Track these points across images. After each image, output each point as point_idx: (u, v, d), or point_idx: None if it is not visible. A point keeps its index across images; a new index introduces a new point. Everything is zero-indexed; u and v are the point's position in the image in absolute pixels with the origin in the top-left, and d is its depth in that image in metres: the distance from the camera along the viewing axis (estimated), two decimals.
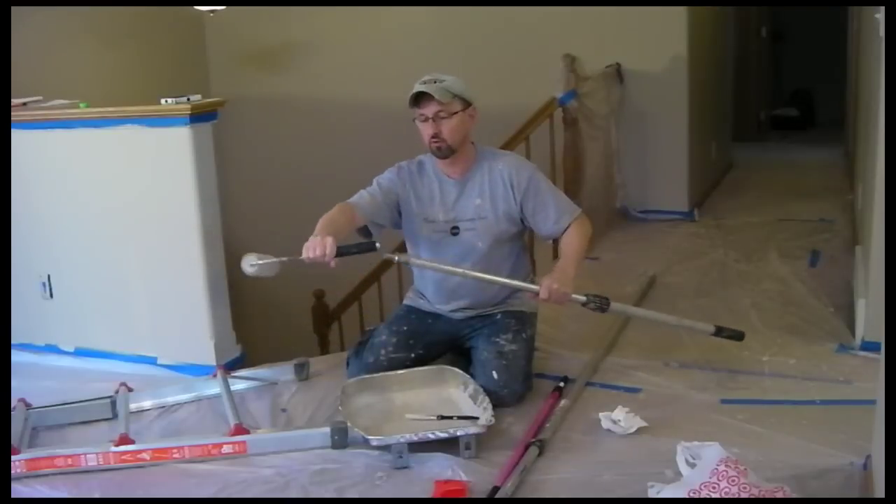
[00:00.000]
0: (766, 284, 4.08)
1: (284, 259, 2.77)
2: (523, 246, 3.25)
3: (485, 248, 3.04)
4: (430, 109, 2.92)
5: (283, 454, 2.62)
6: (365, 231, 3.02)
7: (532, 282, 3.24)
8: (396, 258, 3.04)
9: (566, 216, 3.04)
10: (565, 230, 3.04)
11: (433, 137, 2.95)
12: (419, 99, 2.93)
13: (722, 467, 2.13)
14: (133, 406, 3.02)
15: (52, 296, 3.69)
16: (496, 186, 3.02)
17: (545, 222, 3.04)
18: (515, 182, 3.01)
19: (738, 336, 3.13)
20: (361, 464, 2.55)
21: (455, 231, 3.05)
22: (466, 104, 2.98)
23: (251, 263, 2.75)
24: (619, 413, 2.68)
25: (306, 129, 6.24)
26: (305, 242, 2.71)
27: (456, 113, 2.94)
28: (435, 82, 2.93)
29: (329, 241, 2.68)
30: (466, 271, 2.96)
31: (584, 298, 2.91)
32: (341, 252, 2.72)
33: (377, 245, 2.87)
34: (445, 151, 2.98)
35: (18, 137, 3.47)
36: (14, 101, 3.62)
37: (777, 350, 3.27)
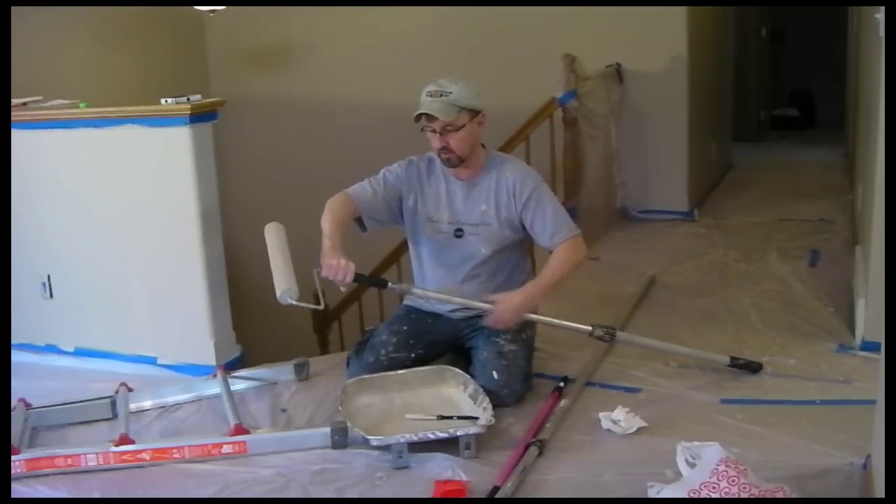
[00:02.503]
0: (766, 284, 4.08)
1: (319, 307, 2.86)
2: (525, 251, 3.25)
3: (487, 254, 3.03)
4: (437, 123, 2.88)
5: (283, 454, 2.62)
6: (359, 221, 3.03)
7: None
8: (398, 288, 3.07)
9: (562, 233, 2.96)
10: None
11: (441, 150, 2.94)
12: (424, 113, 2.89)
13: (722, 467, 2.13)
14: (133, 406, 3.02)
15: (52, 296, 3.69)
16: (501, 194, 3.00)
17: (542, 234, 2.99)
18: (518, 191, 2.98)
19: (754, 368, 3.08)
20: (361, 464, 2.55)
21: (459, 234, 3.04)
22: (475, 113, 2.93)
23: (290, 299, 2.74)
24: (619, 413, 2.68)
25: (306, 129, 6.24)
26: (323, 256, 2.77)
27: (464, 125, 2.90)
28: (441, 95, 2.87)
29: (351, 268, 2.75)
30: (452, 297, 2.99)
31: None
32: (355, 279, 2.81)
33: (389, 284, 3.02)
34: (455, 162, 2.96)
35: (18, 137, 3.47)
36: (14, 101, 3.62)
37: (777, 350, 3.27)
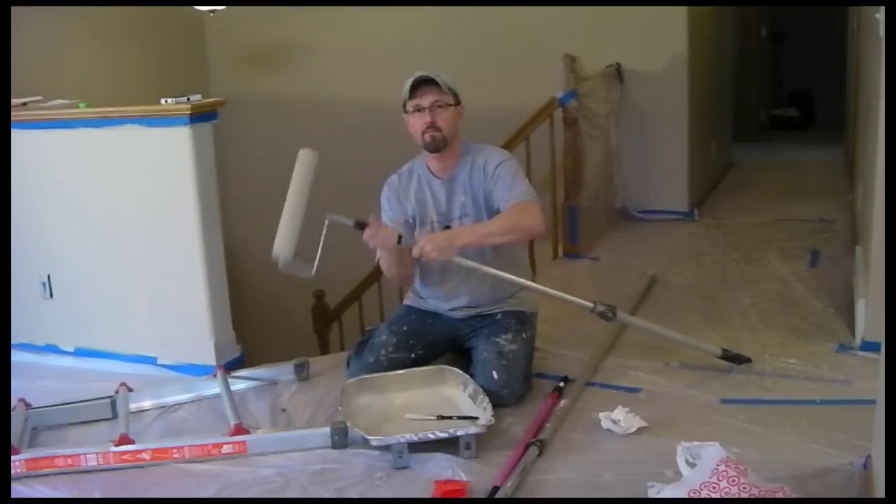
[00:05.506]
0: (766, 284, 4.08)
1: (309, 274, 2.78)
2: (520, 246, 3.24)
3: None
4: (427, 99, 2.95)
5: (283, 454, 2.62)
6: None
7: (532, 280, 3.25)
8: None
9: (516, 196, 2.92)
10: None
11: (429, 126, 2.96)
12: (418, 87, 2.96)
13: (722, 467, 2.13)
14: (133, 406, 3.02)
15: (52, 296, 3.69)
16: (474, 179, 3.03)
17: (501, 199, 2.94)
18: (487, 169, 3.00)
19: (742, 361, 3.11)
20: (361, 464, 2.55)
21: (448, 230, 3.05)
22: (457, 101, 3.03)
23: (280, 261, 2.74)
24: (619, 413, 2.68)
25: (306, 129, 6.21)
26: (371, 225, 2.84)
27: (451, 105, 2.99)
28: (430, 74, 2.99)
29: (395, 234, 2.86)
30: (489, 270, 2.94)
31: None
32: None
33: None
34: (440, 142, 2.98)
35: (18, 137, 3.47)
36: (14, 101, 3.62)
37: (777, 350, 3.26)
